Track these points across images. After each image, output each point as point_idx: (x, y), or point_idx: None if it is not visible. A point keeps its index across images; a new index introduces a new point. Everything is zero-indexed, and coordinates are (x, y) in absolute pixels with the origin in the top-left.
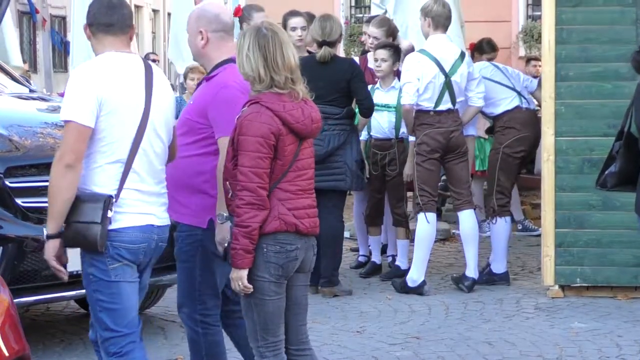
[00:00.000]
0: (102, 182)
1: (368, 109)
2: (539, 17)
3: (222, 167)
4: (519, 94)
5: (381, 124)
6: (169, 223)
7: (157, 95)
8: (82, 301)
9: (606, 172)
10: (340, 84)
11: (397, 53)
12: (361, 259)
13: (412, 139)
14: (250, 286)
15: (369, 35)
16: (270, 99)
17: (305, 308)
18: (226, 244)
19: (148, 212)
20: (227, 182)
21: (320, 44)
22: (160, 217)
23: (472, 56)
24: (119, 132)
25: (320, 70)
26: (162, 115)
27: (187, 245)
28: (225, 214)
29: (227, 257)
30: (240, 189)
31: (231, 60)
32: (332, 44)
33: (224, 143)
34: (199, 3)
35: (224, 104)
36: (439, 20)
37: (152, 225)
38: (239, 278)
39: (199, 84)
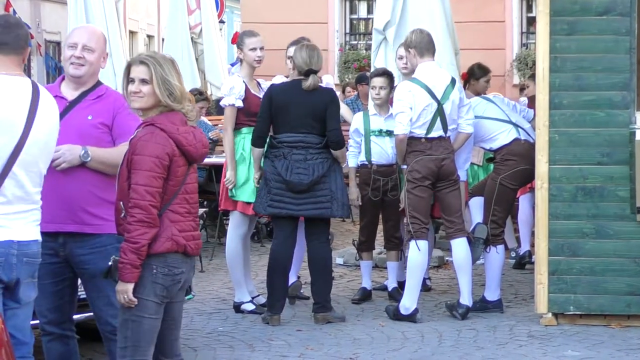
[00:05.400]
0: None
1: (336, 142)
2: (533, 44)
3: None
4: (515, 125)
5: (385, 149)
6: (37, 239)
7: (39, 121)
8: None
9: None
10: (319, 111)
11: (393, 80)
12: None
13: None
14: (135, 299)
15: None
16: (164, 122)
17: (180, 323)
18: (110, 262)
19: (7, 227)
20: (121, 202)
21: (307, 73)
22: (22, 232)
23: (468, 83)
24: None
25: (300, 96)
26: (43, 140)
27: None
28: None
29: (109, 274)
30: (132, 206)
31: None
32: (317, 73)
33: None
34: (194, 28)
35: (131, 112)
36: (422, 47)
37: (12, 240)
38: (125, 291)
39: None
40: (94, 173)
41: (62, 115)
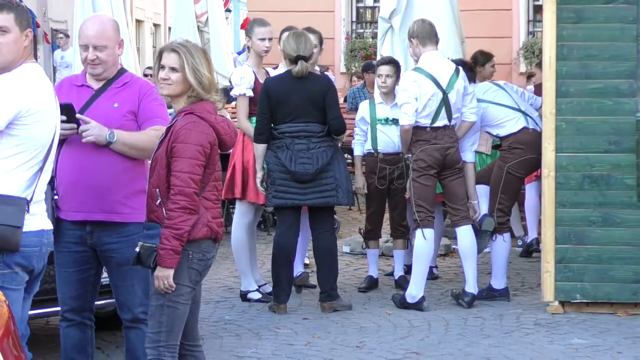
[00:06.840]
0: (18, 186)
1: (338, 130)
2: (540, 33)
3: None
4: (524, 113)
5: (391, 138)
6: (52, 228)
7: (57, 107)
8: None
9: None
10: (317, 99)
11: (399, 69)
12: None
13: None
14: (174, 285)
15: None
16: (203, 111)
17: (200, 305)
18: (137, 248)
19: (39, 215)
20: (157, 189)
21: (296, 59)
22: (46, 221)
23: (475, 71)
24: (42, 139)
25: (297, 85)
26: (59, 125)
27: None
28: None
29: (139, 261)
30: (176, 193)
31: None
32: (307, 59)
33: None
34: (201, 17)
35: (156, 98)
36: (424, 36)
37: (44, 230)
38: (166, 277)
39: None
40: (123, 162)
41: (89, 103)
